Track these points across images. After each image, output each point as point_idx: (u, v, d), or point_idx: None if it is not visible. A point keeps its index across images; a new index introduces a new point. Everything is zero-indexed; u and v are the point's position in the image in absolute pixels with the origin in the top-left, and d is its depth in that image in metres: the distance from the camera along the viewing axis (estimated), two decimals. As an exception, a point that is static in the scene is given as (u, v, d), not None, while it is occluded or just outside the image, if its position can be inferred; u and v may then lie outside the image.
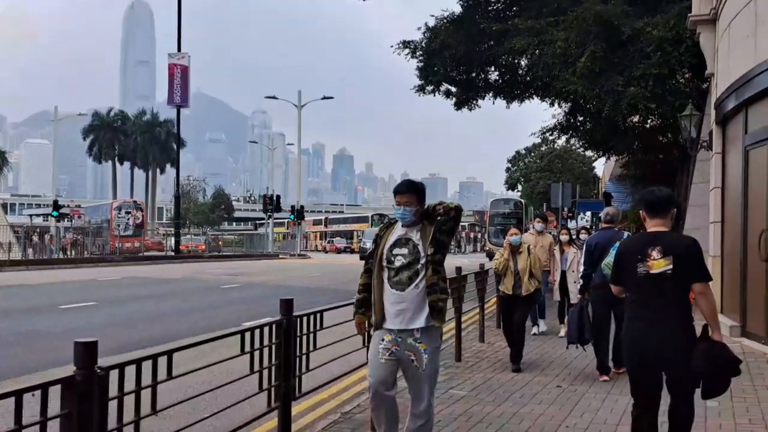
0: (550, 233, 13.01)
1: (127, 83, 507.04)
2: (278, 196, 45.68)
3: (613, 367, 7.27)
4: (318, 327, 4.58)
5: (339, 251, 63.70)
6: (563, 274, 10.11)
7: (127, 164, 76.65)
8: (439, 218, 3.99)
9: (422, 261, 3.99)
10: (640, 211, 4.17)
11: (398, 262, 4.02)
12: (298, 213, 45.47)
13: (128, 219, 37.34)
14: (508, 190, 60.13)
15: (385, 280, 4.06)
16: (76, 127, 73.89)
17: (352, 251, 62.12)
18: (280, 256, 45.60)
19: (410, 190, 4.07)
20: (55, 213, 34.59)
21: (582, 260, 7.48)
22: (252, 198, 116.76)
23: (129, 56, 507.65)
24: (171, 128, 75.60)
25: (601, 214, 7.88)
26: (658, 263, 3.81)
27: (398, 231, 4.12)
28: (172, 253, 37.56)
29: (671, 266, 3.77)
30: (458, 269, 8.68)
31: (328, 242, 69.43)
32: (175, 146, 76.14)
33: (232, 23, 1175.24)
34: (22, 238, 30.50)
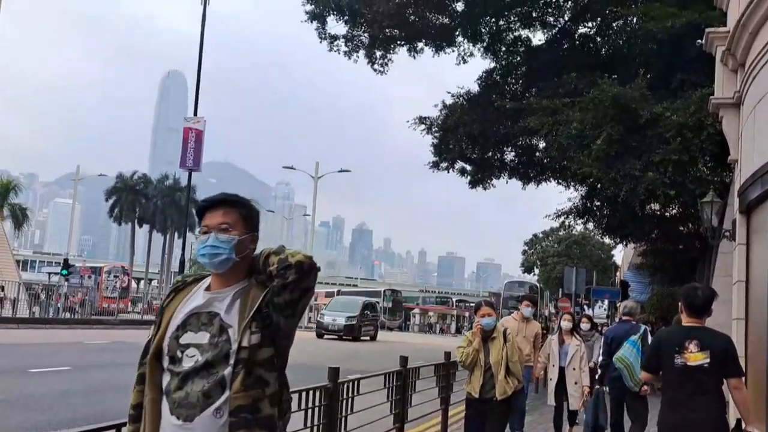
0: (545, 320, 11.89)
1: (156, 148, 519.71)
2: (287, 266, 45.01)
3: None
4: (356, 393, 5.16)
5: None
6: (561, 371, 8.10)
7: (146, 227, 77.06)
8: (274, 280, 2.12)
9: (232, 360, 2.09)
10: (680, 303, 4.46)
11: (188, 362, 2.13)
12: (308, 285, 44.63)
13: (116, 282, 38.42)
14: (524, 273, 59.02)
15: (164, 399, 2.16)
16: (103, 189, 74.66)
17: (388, 329, 60.62)
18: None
19: (228, 204, 2.31)
20: (64, 272, 34.27)
21: (601, 352, 8.22)
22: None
23: (161, 123, 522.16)
24: (192, 194, 76.21)
25: (620, 307, 8.59)
26: (696, 356, 4.08)
27: (198, 297, 2.23)
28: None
29: (708, 360, 4.05)
30: (404, 359, 6.92)
31: None
32: (193, 211, 77.19)
33: (259, 101, 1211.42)
34: (32, 295, 30.28)
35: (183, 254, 34.86)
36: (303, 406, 4.32)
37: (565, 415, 8.24)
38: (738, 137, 10.10)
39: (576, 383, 7.98)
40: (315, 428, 4.47)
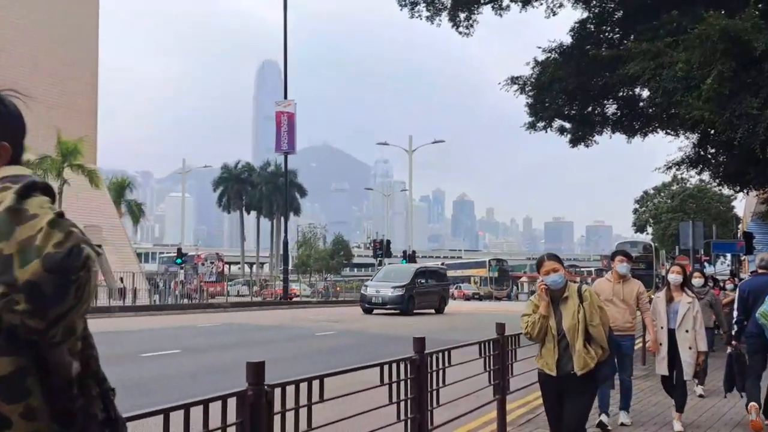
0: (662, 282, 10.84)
1: (257, 137, 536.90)
2: (388, 241, 45.25)
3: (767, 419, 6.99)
4: (447, 364, 4.80)
5: (468, 298, 61.19)
6: (671, 334, 6.77)
7: (253, 213, 79.82)
8: None
9: None
10: None
11: None
12: (410, 257, 44.72)
13: (212, 268, 39.86)
14: (636, 232, 56.37)
15: None
16: (212, 181, 78.10)
17: (480, 297, 59.88)
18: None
19: None
20: (179, 261, 36.13)
21: (735, 307, 7.36)
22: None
23: (259, 112, 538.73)
24: (293, 178, 78.14)
25: (756, 260, 7.88)
26: None
27: None
28: (289, 299, 38.22)
29: None
30: (500, 326, 5.94)
31: (456, 288, 67.80)
32: (297, 195, 79.06)
33: (352, 80, 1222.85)
34: (152, 284, 32.16)
35: (286, 236, 35.63)
36: (387, 380, 4.01)
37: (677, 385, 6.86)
38: None
39: (690, 348, 6.67)
40: (402, 403, 4.14)
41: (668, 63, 14.61)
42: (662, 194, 53.23)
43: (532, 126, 22.08)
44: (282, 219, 79.48)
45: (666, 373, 6.87)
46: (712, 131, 16.15)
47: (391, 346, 12.87)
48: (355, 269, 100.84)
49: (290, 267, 73.47)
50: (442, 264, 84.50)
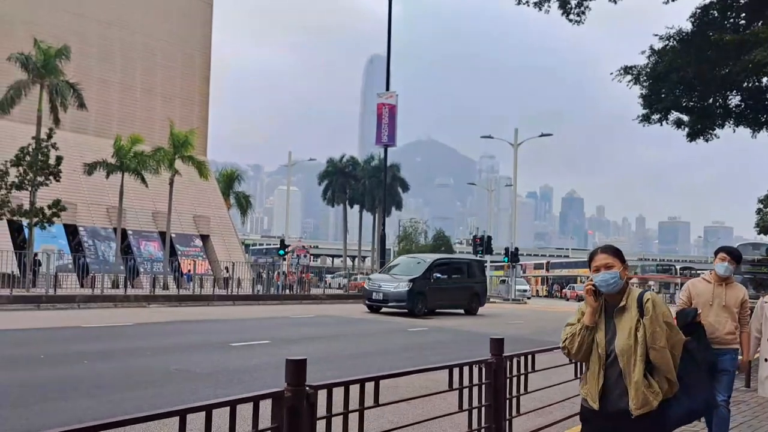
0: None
1: (364, 132, 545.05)
2: (489, 237, 44.38)
3: None
4: (530, 369, 4.22)
5: (581, 299, 59.42)
6: None
7: (356, 207, 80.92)
8: None
9: None
10: None
11: None
12: (513, 255, 43.68)
13: (298, 260, 40.39)
14: (759, 234, 52.31)
15: None
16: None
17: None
18: (491, 300, 43.97)
19: None
20: (281, 252, 36.94)
21: None
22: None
23: (367, 107, 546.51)
24: (396, 172, 78.40)
25: None
26: None
27: None
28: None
29: None
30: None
31: (569, 288, 65.73)
32: (399, 189, 79.32)
33: (458, 76, 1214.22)
34: (256, 274, 33.19)
35: (383, 230, 35.56)
36: (456, 385, 3.54)
37: None
38: None
39: None
40: (475, 411, 3.66)
41: (801, 47, 13.27)
42: (791, 193, 49.11)
43: (646, 119, 20.91)
44: (383, 213, 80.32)
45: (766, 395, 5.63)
46: None
47: (480, 341, 12.37)
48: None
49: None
50: (547, 263, 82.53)
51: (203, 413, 2.30)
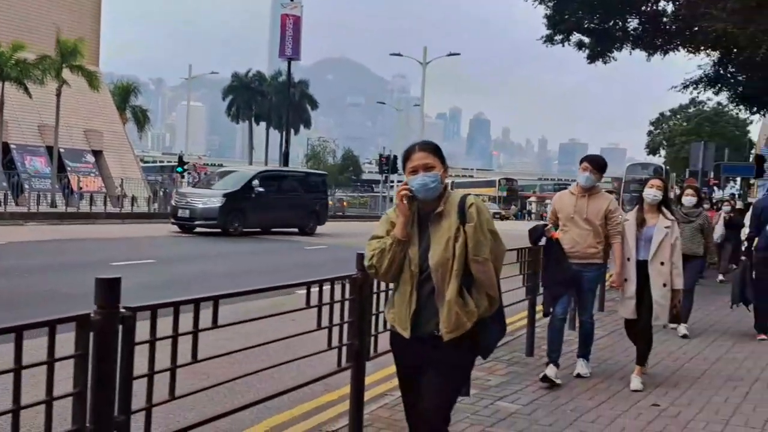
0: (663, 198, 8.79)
1: (273, 47, 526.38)
2: (395, 156, 44.51)
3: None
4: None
5: None
6: (641, 266, 5.37)
7: (263, 125, 78.91)
8: None
9: None
10: None
11: None
12: (419, 174, 43.89)
13: (189, 178, 39.42)
14: (648, 155, 55.32)
15: None
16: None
17: (502, 218, 59.64)
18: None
19: None
20: (179, 169, 35.45)
21: (748, 223, 7.74)
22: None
23: (276, 21, 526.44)
24: (304, 89, 76.61)
25: None
26: None
27: None
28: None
29: None
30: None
31: None
32: (308, 107, 77.77)
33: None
34: (152, 192, 32.03)
35: (287, 147, 34.81)
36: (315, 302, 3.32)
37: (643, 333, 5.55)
38: None
39: (665, 285, 5.33)
40: (336, 329, 3.50)
41: (695, -29, 13.59)
42: (678, 116, 51.89)
43: (549, 39, 21.17)
44: (292, 131, 78.76)
45: (632, 316, 5.43)
46: (735, 50, 15.20)
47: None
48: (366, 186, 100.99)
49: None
50: (452, 183, 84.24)
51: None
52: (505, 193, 65.94)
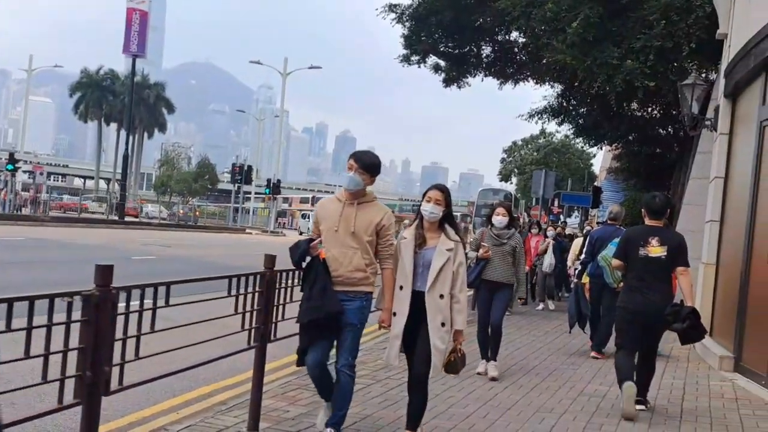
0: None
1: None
2: (249, 167, 43.41)
3: (595, 352, 7.98)
4: (295, 283, 4.70)
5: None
6: (417, 297, 4.18)
7: (114, 126, 74.34)
8: None
9: None
10: (642, 210, 5.70)
11: None
12: (274, 187, 43.16)
13: (33, 177, 36.46)
14: (501, 181, 57.95)
15: None
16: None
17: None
18: (247, 231, 43.31)
19: None
20: (9, 167, 31.69)
21: (584, 251, 8.34)
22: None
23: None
24: (161, 92, 73.23)
25: (607, 211, 9.42)
26: (656, 249, 5.31)
27: None
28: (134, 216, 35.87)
29: (665, 253, 5.29)
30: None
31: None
32: (165, 111, 74.32)
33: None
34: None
35: (126, 149, 32.60)
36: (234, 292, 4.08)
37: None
38: (730, 6, 8.54)
39: (443, 325, 4.14)
40: (248, 315, 4.27)
41: (539, 3, 14.08)
42: (529, 146, 54.82)
43: (406, 59, 21.15)
44: (146, 135, 74.79)
45: (394, 362, 4.23)
46: (576, 83, 15.94)
47: (207, 272, 11.75)
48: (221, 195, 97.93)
49: (150, 187, 69.52)
50: (313, 198, 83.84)
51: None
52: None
